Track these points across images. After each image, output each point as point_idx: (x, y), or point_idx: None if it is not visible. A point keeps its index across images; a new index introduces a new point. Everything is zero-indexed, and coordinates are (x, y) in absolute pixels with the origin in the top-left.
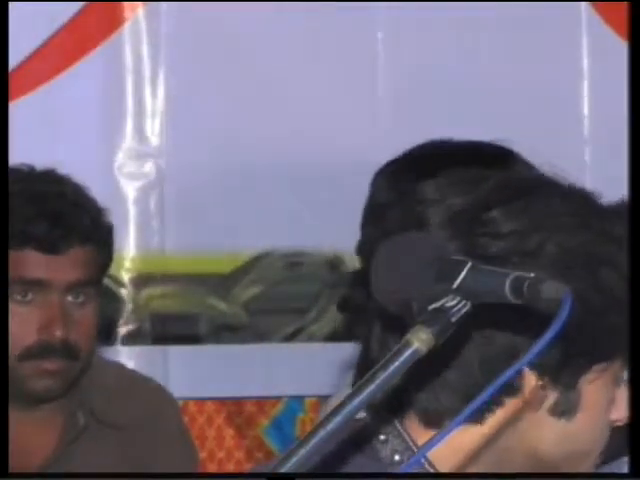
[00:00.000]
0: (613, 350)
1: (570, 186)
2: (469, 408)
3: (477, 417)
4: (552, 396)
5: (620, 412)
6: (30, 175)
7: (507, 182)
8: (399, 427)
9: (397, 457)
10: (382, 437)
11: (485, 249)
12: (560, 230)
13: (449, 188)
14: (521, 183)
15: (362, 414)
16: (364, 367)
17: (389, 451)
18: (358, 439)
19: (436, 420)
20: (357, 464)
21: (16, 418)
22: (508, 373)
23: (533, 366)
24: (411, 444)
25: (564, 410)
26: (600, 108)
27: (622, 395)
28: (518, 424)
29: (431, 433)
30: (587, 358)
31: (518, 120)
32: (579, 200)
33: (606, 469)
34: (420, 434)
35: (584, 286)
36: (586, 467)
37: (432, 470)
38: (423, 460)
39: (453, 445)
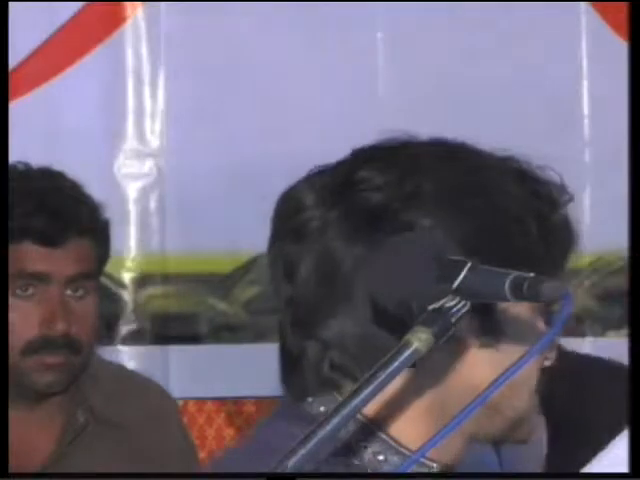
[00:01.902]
0: (525, 269)
1: (436, 140)
2: (470, 406)
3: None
4: (474, 323)
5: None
6: (27, 172)
7: (364, 148)
8: (378, 432)
9: (381, 457)
10: (362, 444)
11: (366, 203)
12: (432, 170)
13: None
14: (378, 146)
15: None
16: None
17: (371, 454)
18: (340, 448)
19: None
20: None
21: (16, 417)
22: (508, 372)
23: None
24: (393, 443)
25: (490, 336)
26: (600, 108)
27: (543, 330)
28: (453, 362)
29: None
30: None
31: (518, 120)
32: (440, 145)
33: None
34: (395, 423)
35: (473, 212)
36: (527, 395)
37: (392, 441)
38: (422, 459)
39: (395, 401)
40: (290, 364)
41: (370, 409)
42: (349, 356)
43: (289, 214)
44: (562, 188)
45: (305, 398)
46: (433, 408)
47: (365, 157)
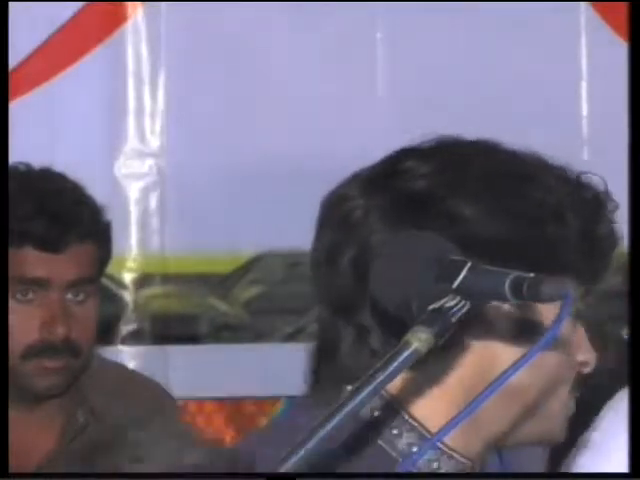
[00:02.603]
0: (556, 267)
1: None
2: (474, 403)
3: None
4: (510, 319)
5: (586, 354)
6: (28, 173)
7: (411, 146)
8: (408, 419)
9: (414, 449)
10: (395, 432)
11: (410, 190)
12: (474, 159)
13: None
14: (426, 142)
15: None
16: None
17: (405, 445)
18: (373, 436)
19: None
20: (375, 460)
21: (16, 418)
22: (509, 372)
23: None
24: (425, 432)
25: (524, 332)
26: (599, 108)
27: (582, 336)
28: (486, 358)
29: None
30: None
31: (517, 120)
32: (486, 142)
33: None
34: (428, 414)
35: (514, 200)
36: (562, 396)
37: (447, 449)
38: (440, 444)
39: (430, 390)
40: (327, 351)
41: (409, 400)
42: (388, 342)
43: (334, 204)
44: (607, 195)
45: (341, 386)
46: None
47: (409, 150)
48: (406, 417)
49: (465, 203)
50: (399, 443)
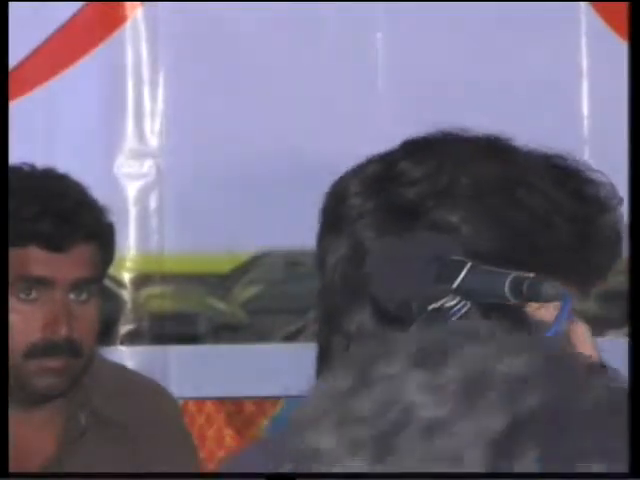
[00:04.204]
0: (551, 271)
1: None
2: None
3: None
4: (503, 326)
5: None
6: (32, 174)
7: (412, 140)
8: None
9: None
10: None
11: (400, 198)
12: (469, 164)
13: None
14: (426, 138)
15: None
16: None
17: None
18: None
19: None
20: None
21: (17, 418)
22: None
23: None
24: None
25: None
26: (600, 108)
27: (581, 331)
28: None
29: None
30: None
31: (517, 120)
32: (486, 140)
33: None
34: None
35: (502, 207)
36: None
37: None
38: None
39: None
40: (321, 358)
41: None
42: None
43: (333, 201)
44: (611, 190)
45: None
46: None
47: (408, 148)
48: None
49: (453, 212)
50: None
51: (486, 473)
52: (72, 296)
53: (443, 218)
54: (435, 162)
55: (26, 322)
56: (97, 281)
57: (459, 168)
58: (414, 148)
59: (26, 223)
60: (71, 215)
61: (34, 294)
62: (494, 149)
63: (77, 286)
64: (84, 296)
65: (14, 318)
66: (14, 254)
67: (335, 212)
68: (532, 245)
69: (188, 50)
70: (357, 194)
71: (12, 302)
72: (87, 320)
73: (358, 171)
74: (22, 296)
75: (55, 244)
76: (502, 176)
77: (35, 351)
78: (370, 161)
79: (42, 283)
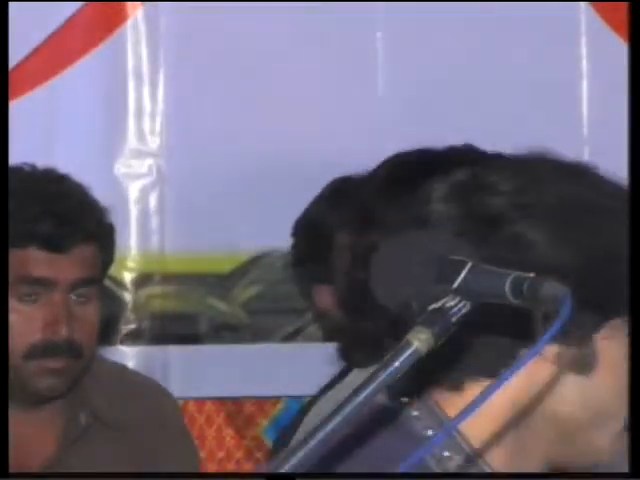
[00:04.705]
0: (624, 304)
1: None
2: (474, 403)
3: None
4: (568, 352)
5: None
6: (32, 174)
7: (502, 155)
8: (429, 402)
9: (430, 432)
10: (415, 413)
11: (485, 208)
12: (557, 184)
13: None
14: (516, 155)
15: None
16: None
17: (421, 427)
18: (391, 417)
19: (461, 386)
20: (390, 442)
21: (18, 418)
22: (508, 373)
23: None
24: (443, 417)
25: (580, 366)
26: (599, 108)
27: None
28: (538, 384)
29: (459, 400)
30: (597, 312)
31: (517, 120)
32: (570, 165)
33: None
34: (448, 403)
35: (585, 235)
36: (611, 431)
37: (463, 441)
38: (454, 432)
39: (480, 410)
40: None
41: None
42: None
43: (416, 202)
44: None
45: None
46: (518, 432)
47: (495, 163)
48: (459, 441)
49: (534, 228)
50: (449, 465)
51: (487, 473)
52: (72, 297)
53: (524, 232)
54: (524, 179)
55: (26, 323)
56: (97, 282)
57: (546, 187)
58: (501, 166)
59: (26, 224)
60: (71, 216)
61: (34, 295)
62: (581, 173)
63: (77, 287)
64: (84, 297)
65: (14, 319)
66: (14, 255)
67: (418, 212)
68: (604, 273)
69: (188, 50)
70: (443, 199)
71: (12, 303)
72: (87, 321)
73: (445, 176)
74: (23, 297)
75: (55, 245)
76: (586, 200)
77: (35, 352)
78: (457, 171)
79: (42, 284)
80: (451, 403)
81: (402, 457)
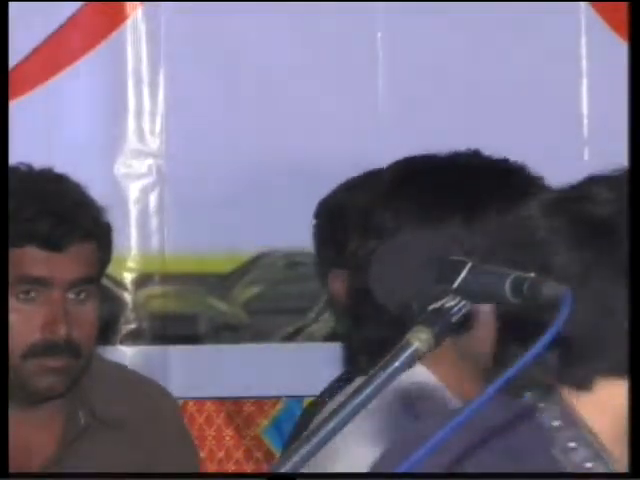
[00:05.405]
0: None
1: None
2: (473, 404)
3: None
4: None
5: None
6: (29, 174)
7: (597, 173)
8: (556, 395)
9: (556, 423)
10: (542, 405)
11: (592, 214)
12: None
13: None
14: (617, 169)
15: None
16: None
17: (549, 418)
18: (519, 411)
19: (589, 385)
20: (519, 435)
21: (17, 418)
22: (510, 372)
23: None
24: (570, 410)
25: None
26: (599, 108)
27: None
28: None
29: (585, 395)
30: None
31: (518, 120)
32: None
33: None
34: (574, 396)
35: None
36: None
37: (589, 434)
38: (580, 425)
39: (607, 408)
40: None
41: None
42: None
43: (517, 223)
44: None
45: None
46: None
47: (596, 178)
48: (585, 433)
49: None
50: (574, 457)
51: (487, 473)
52: (70, 296)
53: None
54: (623, 188)
55: (25, 322)
56: (95, 281)
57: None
58: (602, 179)
59: (24, 223)
60: (69, 215)
61: (33, 294)
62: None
63: (75, 286)
64: (82, 296)
65: (13, 318)
66: (12, 254)
67: (520, 231)
68: None
69: (188, 50)
70: (543, 215)
71: (11, 302)
72: (86, 320)
73: (539, 197)
74: (21, 296)
75: (53, 244)
76: None
77: (34, 351)
78: (553, 189)
79: (40, 283)
80: (577, 397)
81: (533, 449)
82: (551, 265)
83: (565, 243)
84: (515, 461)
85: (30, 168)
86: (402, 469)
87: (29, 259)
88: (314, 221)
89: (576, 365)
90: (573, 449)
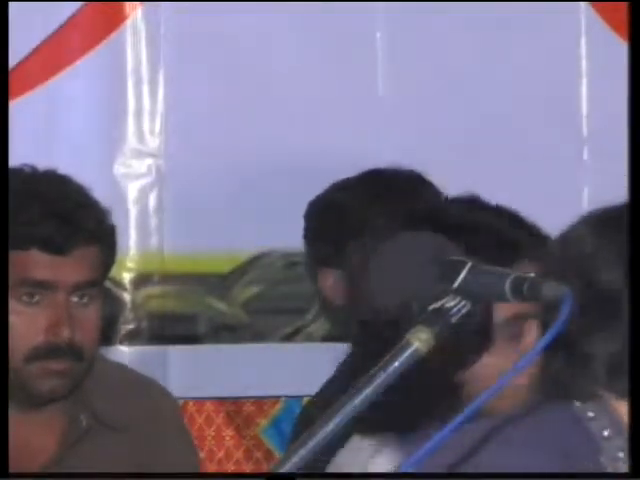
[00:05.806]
0: None
1: None
2: (473, 405)
3: None
4: None
5: None
6: (33, 176)
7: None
8: (605, 405)
9: (606, 432)
10: (591, 414)
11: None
12: None
13: None
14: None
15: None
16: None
17: (597, 427)
18: (568, 418)
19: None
20: (568, 441)
21: (19, 420)
22: (510, 373)
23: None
24: (619, 419)
25: None
26: (599, 108)
27: None
28: None
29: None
30: None
31: (517, 120)
32: None
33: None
34: (622, 405)
35: None
36: None
37: None
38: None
39: None
40: None
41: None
42: None
43: (566, 242)
44: None
45: None
46: None
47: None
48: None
49: None
50: (623, 467)
51: (487, 473)
52: (74, 299)
53: None
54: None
55: (28, 325)
56: (98, 284)
57: None
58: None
59: (27, 226)
60: (72, 218)
61: (36, 297)
62: None
63: (79, 289)
64: (86, 299)
65: (16, 321)
66: (15, 257)
67: (568, 251)
68: None
69: (188, 50)
70: (591, 233)
71: (14, 305)
72: (89, 323)
73: (587, 218)
74: (24, 299)
75: (56, 247)
76: None
77: (37, 354)
78: (601, 208)
79: (44, 286)
80: (625, 406)
81: (581, 455)
82: (598, 281)
83: (612, 259)
84: (564, 468)
85: (34, 170)
86: (403, 468)
87: (33, 262)
88: (304, 221)
89: (625, 375)
90: (622, 459)
